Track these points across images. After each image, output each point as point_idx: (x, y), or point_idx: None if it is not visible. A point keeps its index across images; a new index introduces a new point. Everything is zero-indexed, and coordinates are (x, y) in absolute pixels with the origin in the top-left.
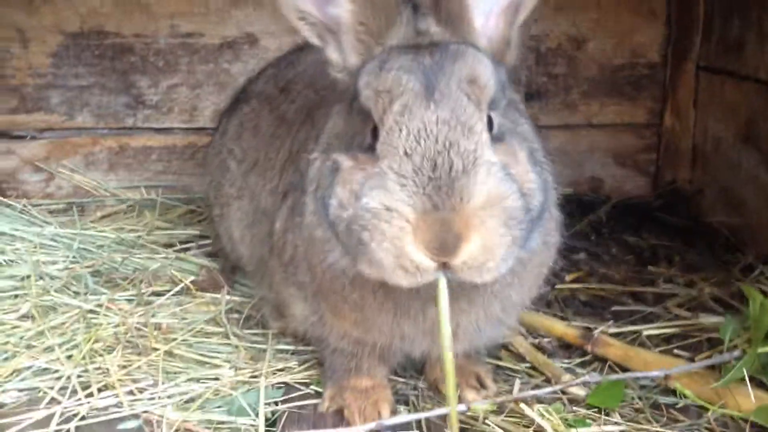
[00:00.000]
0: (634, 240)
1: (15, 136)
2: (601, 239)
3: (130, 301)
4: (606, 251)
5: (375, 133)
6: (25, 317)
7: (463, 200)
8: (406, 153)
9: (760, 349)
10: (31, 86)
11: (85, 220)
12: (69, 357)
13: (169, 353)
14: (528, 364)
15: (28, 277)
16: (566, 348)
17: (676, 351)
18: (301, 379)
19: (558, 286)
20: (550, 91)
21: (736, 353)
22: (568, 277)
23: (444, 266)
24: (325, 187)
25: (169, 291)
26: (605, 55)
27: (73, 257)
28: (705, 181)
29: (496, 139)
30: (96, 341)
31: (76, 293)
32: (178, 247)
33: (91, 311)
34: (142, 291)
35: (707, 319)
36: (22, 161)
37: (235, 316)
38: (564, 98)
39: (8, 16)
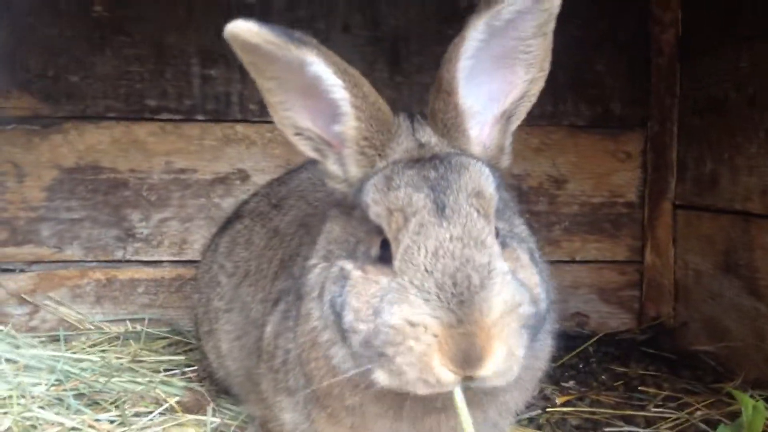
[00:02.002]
0: (622, 369)
1: (3, 269)
2: (589, 368)
3: (112, 421)
4: (595, 379)
5: (385, 245)
6: None
7: (483, 313)
8: (426, 270)
9: None
10: (23, 219)
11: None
12: None
13: None
14: None
15: (10, 397)
16: None
17: None
18: None
19: (549, 409)
20: (533, 227)
21: None
22: (558, 400)
23: (469, 378)
24: (334, 293)
25: (153, 412)
26: (585, 195)
27: (57, 379)
28: (688, 314)
29: (501, 244)
30: None
31: (58, 414)
32: (163, 373)
33: (73, 428)
34: (126, 410)
35: None
36: (8, 294)
37: None
38: (547, 235)
39: (6, 151)
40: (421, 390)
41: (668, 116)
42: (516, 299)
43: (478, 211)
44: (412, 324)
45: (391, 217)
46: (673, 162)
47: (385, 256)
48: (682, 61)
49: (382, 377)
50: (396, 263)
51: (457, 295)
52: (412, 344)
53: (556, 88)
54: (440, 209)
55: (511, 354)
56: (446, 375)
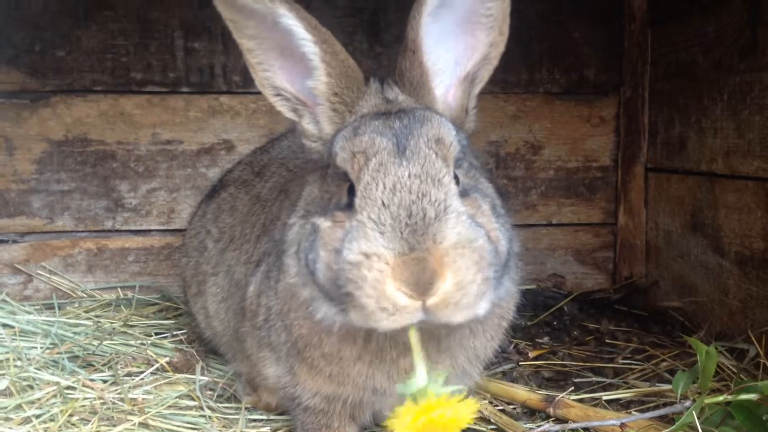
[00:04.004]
0: (594, 326)
1: None
2: (562, 325)
3: (106, 381)
4: (568, 335)
5: (351, 191)
6: (2, 395)
7: (436, 242)
8: (383, 204)
9: (708, 400)
10: (14, 191)
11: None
12: (45, 430)
13: (144, 424)
14: (493, 426)
15: (7, 360)
16: (530, 414)
17: (634, 413)
18: None
19: (522, 363)
20: (510, 192)
21: (688, 403)
22: (531, 354)
23: (423, 306)
24: (307, 249)
25: (144, 371)
26: (560, 160)
27: (51, 343)
28: (659, 273)
29: (462, 194)
30: (72, 414)
31: (53, 374)
32: (154, 336)
33: (68, 387)
34: (119, 371)
35: (664, 387)
36: (1, 264)
37: (209, 392)
38: (524, 199)
39: None
40: (384, 321)
41: (640, 82)
42: (470, 235)
43: (436, 154)
44: (366, 256)
45: (354, 159)
46: (645, 126)
47: (351, 202)
48: (652, 28)
49: (354, 317)
50: (356, 201)
51: (411, 225)
52: (366, 273)
53: (532, 57)
54: (401, 151)
55: (462, 286)
56: (401, 299)
